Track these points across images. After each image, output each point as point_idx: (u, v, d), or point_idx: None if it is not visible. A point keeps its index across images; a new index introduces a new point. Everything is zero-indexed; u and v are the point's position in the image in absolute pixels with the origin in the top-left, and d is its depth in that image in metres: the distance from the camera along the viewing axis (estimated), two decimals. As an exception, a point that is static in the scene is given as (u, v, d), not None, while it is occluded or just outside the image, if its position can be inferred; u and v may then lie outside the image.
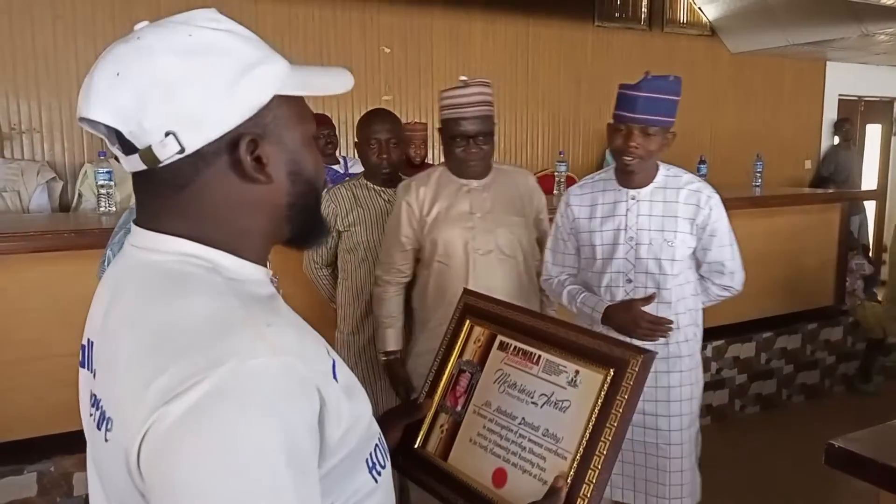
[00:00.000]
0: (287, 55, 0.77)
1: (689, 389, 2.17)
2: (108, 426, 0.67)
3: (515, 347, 1.10)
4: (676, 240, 2.08)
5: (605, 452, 0.94)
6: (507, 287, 2.19)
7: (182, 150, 0.69)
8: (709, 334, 2.35)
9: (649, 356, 0.98)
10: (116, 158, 0.76)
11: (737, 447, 3.61)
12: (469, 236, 2.20)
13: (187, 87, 0.68)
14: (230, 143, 0.71)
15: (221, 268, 0.73)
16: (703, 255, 2.15)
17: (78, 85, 0.73)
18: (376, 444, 0.77)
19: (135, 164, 0.71)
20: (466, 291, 1.23)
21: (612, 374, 0.98)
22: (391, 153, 2.45)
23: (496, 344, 1.13)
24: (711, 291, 2.21)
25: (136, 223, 0.76)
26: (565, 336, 1.07)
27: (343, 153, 4.62)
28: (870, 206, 7.11)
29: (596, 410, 0.97)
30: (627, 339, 1.89)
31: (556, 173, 4.30)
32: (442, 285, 2.22)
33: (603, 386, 0.98)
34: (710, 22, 6.14)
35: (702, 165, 4.72)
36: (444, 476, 1.08)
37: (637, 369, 0.96)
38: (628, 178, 2.13)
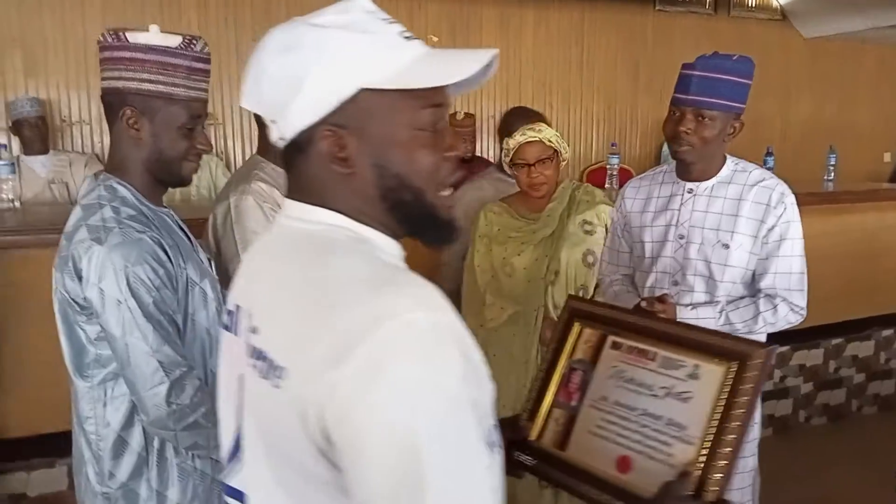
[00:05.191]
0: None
1: None
2: (279, 374, 0.72)
3: (629, 346, 1.12)
4: (733, 242, 1.83)
5: (733, 441, 0.96)
6: None
7: (282, 138, 0.80)
8: (772, 339, 2.11)
9: (772, 349, 1.00)
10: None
11: (800, 461, 3.36)
12: None
13: (282, 82, 0.77)
14: (316, 132, 0.78)
15: (363, 238, 0.80)
16: (768, 264, 1.85)
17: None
18: (493, 424, 0.75)
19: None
20: (571, 297, 1.26)
21: (734, 366, 1.00)
22: None
23: (608, 344, 1.15)
24: (779, 310, 1.86)
25: (287, 196, 0.84)
26: (680, 333, 1.10)
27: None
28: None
29: (721, 400, 0.99)
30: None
31: (608, 166, 4.10)
32: None
33: (726, 378, 1.00)
34: (781, 5, 5.78)
35: (769, 158, 4.43)
36: (565, 466, 1.10)
37: (761, 361, 0.98)
38: (686, 169, 1.91)
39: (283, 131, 0.79)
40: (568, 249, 2.28)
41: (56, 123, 4.00)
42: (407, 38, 0.80)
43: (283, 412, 0.71)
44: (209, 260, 1.56)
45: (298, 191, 0.82)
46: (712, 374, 1.02)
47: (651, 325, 1.13)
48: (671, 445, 1.01)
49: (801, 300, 1.87)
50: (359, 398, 0.66)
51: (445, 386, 0.67)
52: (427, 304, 0.70)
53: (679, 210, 1.92)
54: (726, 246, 1.84)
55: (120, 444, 1.37)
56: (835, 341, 3.89)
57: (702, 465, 0.97)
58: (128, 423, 1.37)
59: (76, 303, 1.34)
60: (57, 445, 2.45)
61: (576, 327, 1.20)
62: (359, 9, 0.79)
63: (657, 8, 5.39)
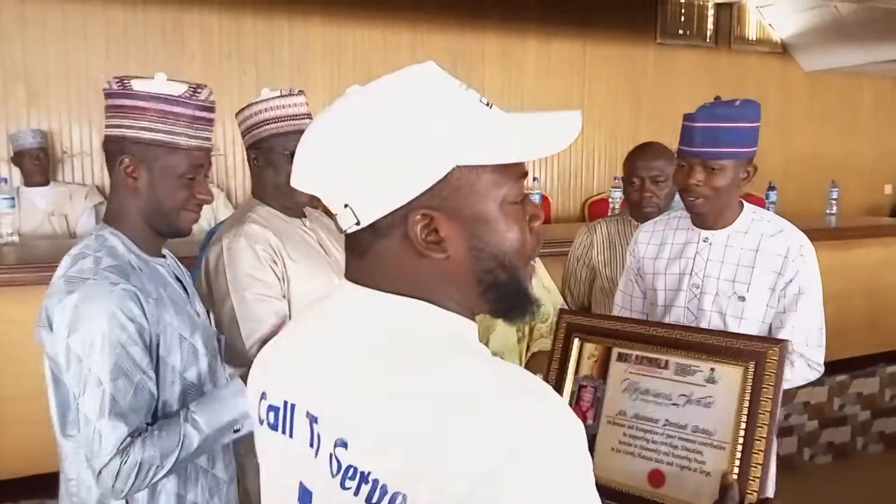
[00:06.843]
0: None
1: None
2: (396, 500, 0.63)
3: (638, 356, 1.10)
4: (749, 295, 1.74)
5: (763, 442, 0.96)
6: None
7: (358, 223, 0.71)
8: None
9: (785, 345, 1.00)
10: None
11: (805, 500, 3.31)
12: None
13: (362, 162, 0.69)
14: (403, 217, 0.70)
15: (459, 334, 0.73)
16: (785, 319, 1.74)
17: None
18: None
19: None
20: (563, 311, 1.21)
21: (752, 365, 0.99)
22: (655, 191, 2.33)
23: (614, 356, 1.11)
24: (795, 367, 1.73)
25: (354, 280, 0.75)
26: (688, 338, 1.07)
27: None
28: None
29: (745, 401, 0.98)
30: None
31: (610, 199, 4.10)
32: None
33: (745, 379, 1.00)
34: (781, 39, 5.82)
35: (771, 192, 4.42)
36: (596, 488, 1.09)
37: (777, 359, 0.98)
38: (700, 217, 1.83)
39: (360, 216, 0.70)
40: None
41: (57, 155, 4.00)
42: (487, 104, 0.73)
43: None
44: (208, 312, 1.53)
45: (372, 277, 0.73)
46: (730, 375, 1.01)
47: (654, 332, 1.11)
48: (702, 453, 1.00)
49: (819, 356, 1.77)
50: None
51: (589, 477, 0.65)
52: (563, 406, 0.65)
53: (694, 259, 1.83)
54: (742, 298, 1.76)
55: None
56: (839, 378, 3.84)
57: (737, 469, 0.96)
58: None
59: (53, 358, 1.29)
60: (45, 486, 2.41)
61: (575, 342, 1.17)
62: (430, 76, 0.72)
63: (658, 41, 5.42)
